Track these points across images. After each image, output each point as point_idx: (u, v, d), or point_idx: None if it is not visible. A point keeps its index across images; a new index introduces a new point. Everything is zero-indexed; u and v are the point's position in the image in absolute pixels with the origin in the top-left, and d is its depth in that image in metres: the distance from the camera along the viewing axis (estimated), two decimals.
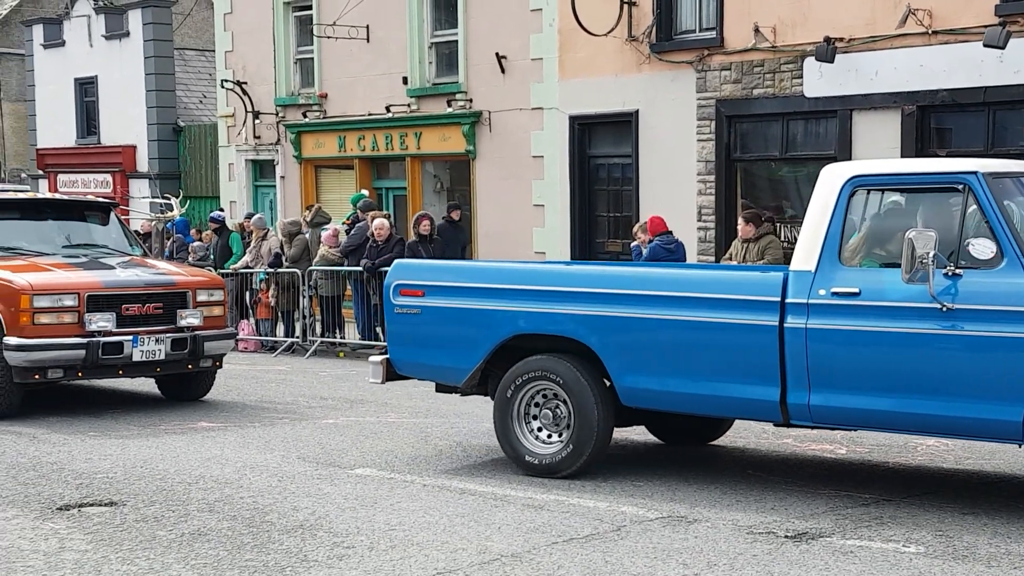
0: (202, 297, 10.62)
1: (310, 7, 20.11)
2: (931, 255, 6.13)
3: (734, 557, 5.68)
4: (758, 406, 6.79)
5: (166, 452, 8.45)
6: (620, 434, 9.11)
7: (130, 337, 10.06)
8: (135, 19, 24.57)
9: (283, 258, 15.74)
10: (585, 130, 16.57)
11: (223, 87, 21.67)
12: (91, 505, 6.84)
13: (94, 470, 7.81)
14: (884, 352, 6.39)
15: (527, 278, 7.65)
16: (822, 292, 6.56)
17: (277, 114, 20.92)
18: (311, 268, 15.40)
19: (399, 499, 6.91)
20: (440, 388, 8.31)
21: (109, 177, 25.38)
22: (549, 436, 7.49)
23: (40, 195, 12.55)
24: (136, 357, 10.11)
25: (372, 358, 8.29)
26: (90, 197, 12.81)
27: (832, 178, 6.80)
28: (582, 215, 16.64)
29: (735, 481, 7.34)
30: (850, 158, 13.78)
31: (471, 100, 17.81)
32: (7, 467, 7.94)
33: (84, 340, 9.87)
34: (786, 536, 6.06)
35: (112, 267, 10.62)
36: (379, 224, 14.74)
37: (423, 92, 18.48)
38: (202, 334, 10.47)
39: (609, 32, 15.50)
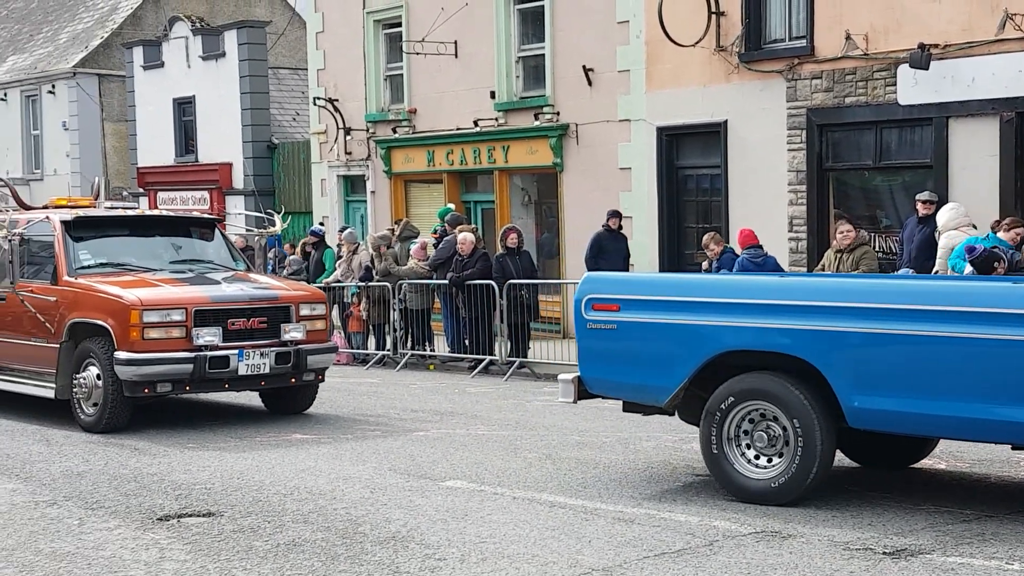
0: (305, 311, 10.68)
1: (400, 24, 20.37)
2: None
3: (830, 573, 5.58)
4: None
5: (262, 464, 8.61)
6: None
7: (236, 351, 10.15)
8: (231, 40, 25.15)
9: (373, 271, 15.93)
10: (673, 141, 16.48)
11: (315, 104, 22.05)
12: (190, 516, 6.99)
13: (192, 481, 7.99)
14: None
15: (738, 291, 7.21)
16: None
17: (368, 130, 21.21)
18: (400, 281, 15.57)
19: (489, 512, 6.93)
20: (628, 407, 7.87)
21: (206, 194, 25.97)
22: (763, 460, 6.99)
23: (148, 212, 12.81)
24: (242, 371, 10.20)
25: (562, 376, 7.89)
26: (195, 213, 13.07)
27: None
28: (670, 226, 16.54)
29: (830, 496, 7.21)
30: (946, 167, 13.48)
31: (558, 113, 17.85)
32: (109, 478, 8.16)
33: (192, 354, 9.98)
34: (884, 553, 5.93)
35: (218, 282, 10.75)
36: (463, 239, 14.84)
37: (511, 106, 18.57)
38: (305, 348, 10.53)
39: (697, 43, 15.40)
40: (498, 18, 18.62)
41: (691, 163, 16.45)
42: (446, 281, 14.97)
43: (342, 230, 18.20)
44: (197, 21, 26.82)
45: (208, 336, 10.09)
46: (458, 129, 19.27)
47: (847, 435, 7.34)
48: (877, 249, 13.67)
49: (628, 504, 7.06)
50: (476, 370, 14.60)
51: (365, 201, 21.66)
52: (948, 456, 8.48)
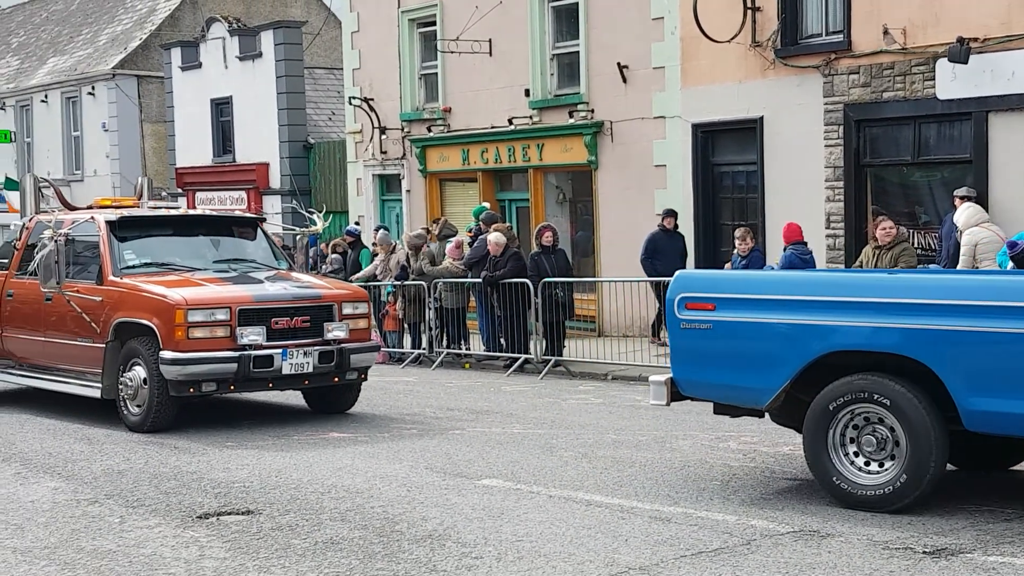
0: (347, 310, 10.64)
1: (434, 23, 20.41)
2: None
3: (869, 573, 5.54)
4: None
5: (299, 462, 8.66)
6: (745, 446, 8.99)
7: (279, 350, 10.14)
8: (267, 40, 25.32)
9: (408, 270, 15.98)
10: (709, 138, 16.41)
11: (351, 104, 22.15)
12: (229, 514, 7.05)
13: (231, 479, 8.06)
14: None
15: (847, 289, 6.93)
16: None
17: (403, 129, 21.28)
18: (435, 280, 15.61)
19: (526, 510, 6.94)
20: (720, 409, 7.62)
21: (244, 194, 26.16)
22: (873, 465, 6.75)
23: (191, 211, 12.85)
24: (285, 370, 10.19)
25: (654, 378, 7.60)
26: (237, 212, 13.13)
27: None
28: (706, 223, 16.47)
29: None
30: (986, 161, 13.33)
31: (593, 110, 17.82)
32: (150, 476, 8.25)
33: (236, 354, 9.98)
34: (924, 552, 5.88)
35: (261, 281, 10.74)
36: (493, 240, 14.84)
37: (545, 104, 18.57)
38: (348, 347, 10.50)
39: (732, 39, 15.32)
40: (532, 16, 18.61)
41: (727, 160, 16.37)
42: (480, 280, 15.00)
43: (377, 229, 18.27)
44: (234, 22, 27.02)
45: (252, 335, 10.08)
46: (492, 127, 19.29)
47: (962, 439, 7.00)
48: (916, 246, 13.55)
49: (665, 503, 7.04)
50: (511, 369, 14.61)
51: (400, 200, 21.74)
52: None
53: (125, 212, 11.55)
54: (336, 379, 10.63)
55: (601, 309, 17.20)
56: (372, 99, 21.58)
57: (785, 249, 12.80)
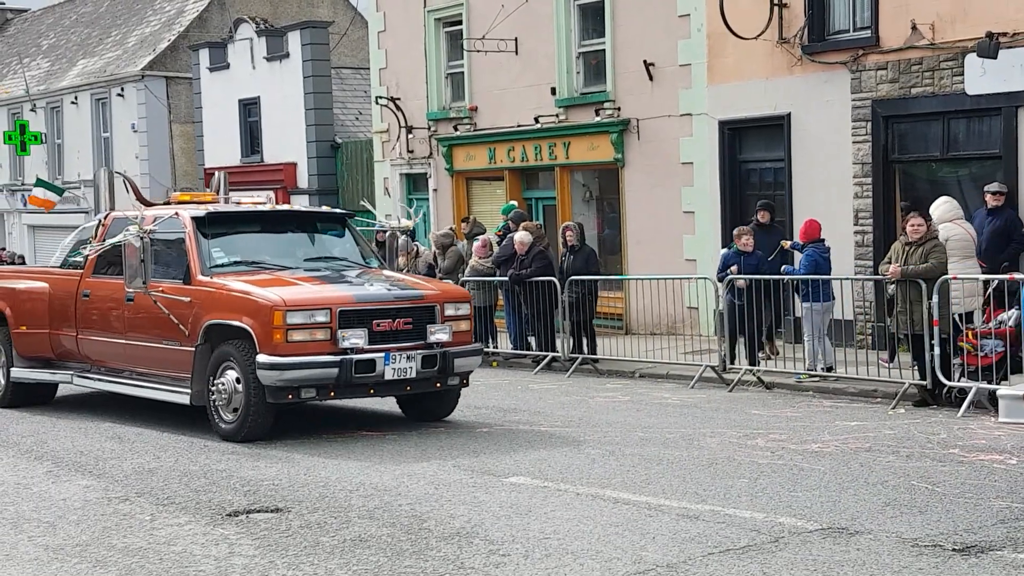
0: (450, 311, 10.04)
1: (460, 22, 20.44)
2: None
3: (899, 571, 5.52)
4: None
5: (327, 460, 8.71)
6: (773, 444, 8.96)
7: (382, 354, 9.52)
8: (294, 40, 25.42)
9: (436, 270, 16.01)
10: (736, 135, 16.35)
11: (378, 103, 22.21)
12: (258, 511, 7.10)
13: (260, 477, 8.11)
14: None
15: None
16: None
17: (429, 128, 21.32)
18: (463, 279, 15.64)
19: (553, 508, 6.95)
20: None
21: (272, 194, 26.25)
22: None
23: (280, 207, 11.89)
24: (388, 375, 9.58)
25: (1003, 391, 6.88)
26: (324, 208, 12.01)
27: None
28: (733, 221, 16.37)
29: (898, 492, 7.13)
30: (1016, 156, 13.21)
31: (619, 108, 17.79)
32: (180, 475, 8.32)
33: (337, 358, 9.36)
34: (954, 549, 5.85)
35: (358, 281, 10.17)
36: (519, 239, 14.85)
37: (571, 102, 18.56)
38: (452, 350, 9.90)
39: (759, 35, 15.25)
40: (558, 14, 18.60)
41: (754, 157, 16.31)
42: (507, 278, 15.02)
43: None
44: (261, 22, 27.15)
45: (354, 338, 9.41)
46: (519, 126, 19.29)
47: None
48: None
49: (692, 500, 7.03)
50: (539, 366, 14.62)
51: (427, 199, 21.79)
52: (1019, 451, 8.33)
53: (211, 208, 10.84)
54: (438, 384, 9.99)
55: (628, 307, 17.18)
56: (399, 98, 21.63)
57: (804, 248, 12.72)
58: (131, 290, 10.40)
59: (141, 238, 10.08)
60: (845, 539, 6.11)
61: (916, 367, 11.10)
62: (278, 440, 9.63)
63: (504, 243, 15.63)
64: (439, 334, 9.88)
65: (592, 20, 18.52)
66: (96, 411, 11.45)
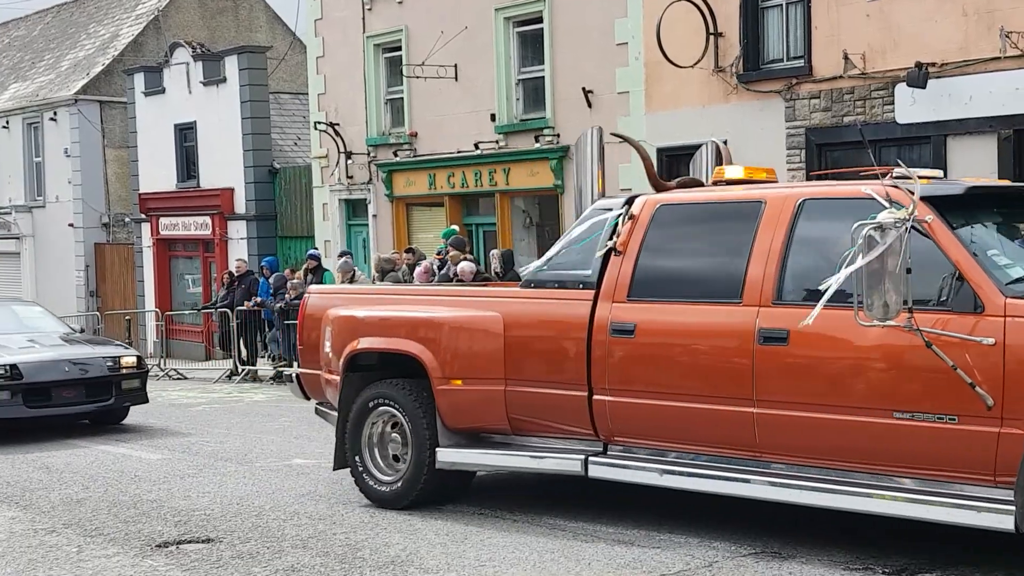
0: None
1: (400, 48, 20.45)
2: None
3: None
4: None
5: (262, 489, 8.59)
6: None
7: None
8: (231, 65, 25.25)
9: None
10: (673, 162, 16.49)
11: (316, 129, 22.12)
12: (189, 542, 6.98)
13: (192, 507, 7.97)
14: None
15: None
16: None
17: (369, 154, 21.26)
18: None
19: (489, 535, 6.91)
20: None
21: (208, 219, 26.02)
22: None
23: None
24: None
25: None
26: None
27: None
28: None
29: (830, 517, 7.18)
30: None
31: (558, 135, 17.89)
32: (108, 505, 8.15)
33: None
34: (884, 572, 5.91)
35: None
36: (463, 269, 14.77)
37: (511, 128, 18.63)
38: None
39: (695, 64, 15.45)
40: (497, 41, 18.69)
41: None
42: None
43: (340, 256, 18.18)
44: (198, 47, 26.93)
45: None
46: (459, 152, 19.32)
47: None
48: None
49: (627, 526, 7.03)
50: None
51: (367, 225, 21.70)
52: None
53: (969, 183, 6.55)
54: None
55: None
56: (338, 124, 21.56)
57: None
58: (872, 320, 5.70)
59: (898, 231, 5.65)
60: (778, 563, 6.14)
61: None
62: (210, 469, 9.48)
63: (444, 270, 15.58)
64: None
65: (531, 47, 18.64)
66: (24, 440, 11.19)
